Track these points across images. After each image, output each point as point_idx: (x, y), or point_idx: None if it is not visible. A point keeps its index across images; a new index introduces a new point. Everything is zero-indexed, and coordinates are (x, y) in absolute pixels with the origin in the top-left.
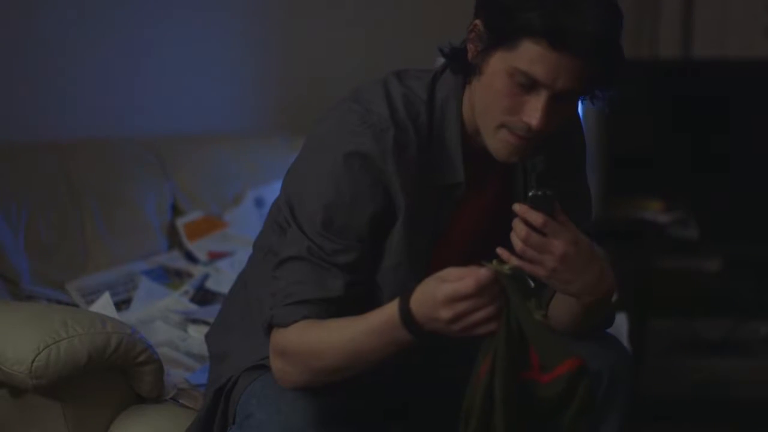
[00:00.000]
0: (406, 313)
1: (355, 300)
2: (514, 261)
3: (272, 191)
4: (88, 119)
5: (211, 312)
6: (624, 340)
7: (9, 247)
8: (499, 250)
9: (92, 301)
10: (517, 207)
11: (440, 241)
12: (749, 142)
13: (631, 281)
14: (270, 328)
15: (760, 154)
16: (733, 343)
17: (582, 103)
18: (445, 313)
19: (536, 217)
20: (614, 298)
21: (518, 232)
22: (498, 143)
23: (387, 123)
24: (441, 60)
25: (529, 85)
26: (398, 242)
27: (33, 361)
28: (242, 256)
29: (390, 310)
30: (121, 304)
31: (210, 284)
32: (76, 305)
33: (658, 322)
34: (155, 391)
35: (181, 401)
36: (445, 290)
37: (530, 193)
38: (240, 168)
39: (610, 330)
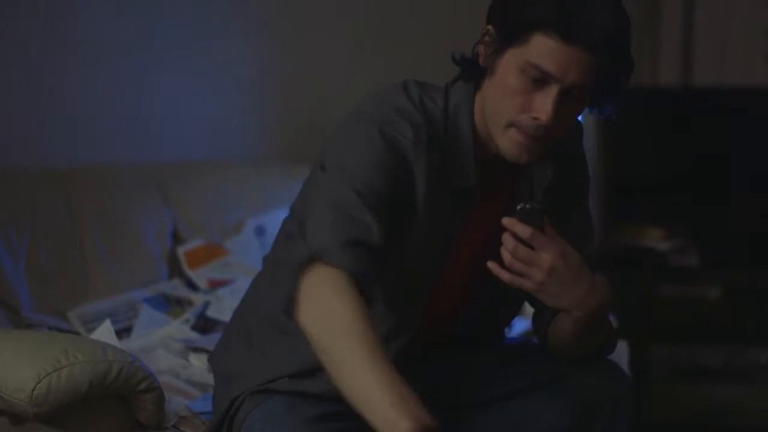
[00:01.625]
0: None
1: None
2: (504, 275)
3: (273, 219)
4: (88, 146)
5: (212, 340)
6: (625, 367)
7: (10, 274)
8: (490, 264)
9: (93, 329)
10: (506, 220)
11: (458, 244)
12: (749, 170)
13: (632, 308)
14: (306, 264)
15: (760, 181)
16: (733, 371)
17: (590, 111)
18: None
19: (523, 230)
20: (613, 318)
21: (506, 245)
22: (507, 142)
23: (420, 120)
24: None
25: (540, 79)
26: (414, 242)
27: (34, 389)
28: (243, 284)
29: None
30: (122, 332)
31: (211, 312)
32: (76, 333)
33: (658, 350)
34: (156, 418)
35: (182, 429)
36: None
37: (518, 206)
38: (241, 196)
39: (611, 357)
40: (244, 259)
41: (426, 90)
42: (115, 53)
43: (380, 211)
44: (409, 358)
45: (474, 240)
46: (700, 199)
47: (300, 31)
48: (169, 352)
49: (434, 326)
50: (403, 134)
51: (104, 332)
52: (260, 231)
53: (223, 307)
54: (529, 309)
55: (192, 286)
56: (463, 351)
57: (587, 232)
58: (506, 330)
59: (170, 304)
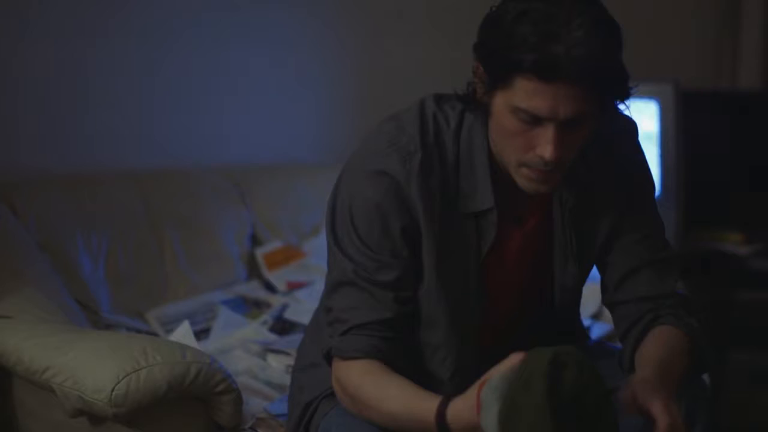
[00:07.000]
0: (442, 421)
1: (410, 319)
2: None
3: None
4: (167, 149)
5: (290, 342)
6: None
7: (89, 276)
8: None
9: (171, 330)
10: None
11: (492, 266)
12: None
13: (711, 313)
14: (330, 356)
15: None
16: None
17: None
18: None
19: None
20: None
21: None
22: (522, 179)
23: (416, 146)
24: None
25: (533, 120)
26: (428, 268)
27: (113, 390)
28: (320, 286)
29: (429, 406)
30: (200, 334)
31: (289, 314)
32: (155, 334)
33: (737, 355)
34: (234, 420)
35: (259, 430)
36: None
37: None
38: (318, 198)
39: None
40: (322, 262)
41: (444, 109)
42: (194, 58)
43: (392, 268)
44: (474, 368)
45: (514, 255)
46: None
47: (377, 36)
48: (247, 354)
49: (496, 335)
50: (394, 169)
51: (183, 333)
52: None
53: (301, 309)
54: (607, 314)
55: (270, 288)
56: None
57: (654, 235)
58: (580, 322)
59: (248, 306)
